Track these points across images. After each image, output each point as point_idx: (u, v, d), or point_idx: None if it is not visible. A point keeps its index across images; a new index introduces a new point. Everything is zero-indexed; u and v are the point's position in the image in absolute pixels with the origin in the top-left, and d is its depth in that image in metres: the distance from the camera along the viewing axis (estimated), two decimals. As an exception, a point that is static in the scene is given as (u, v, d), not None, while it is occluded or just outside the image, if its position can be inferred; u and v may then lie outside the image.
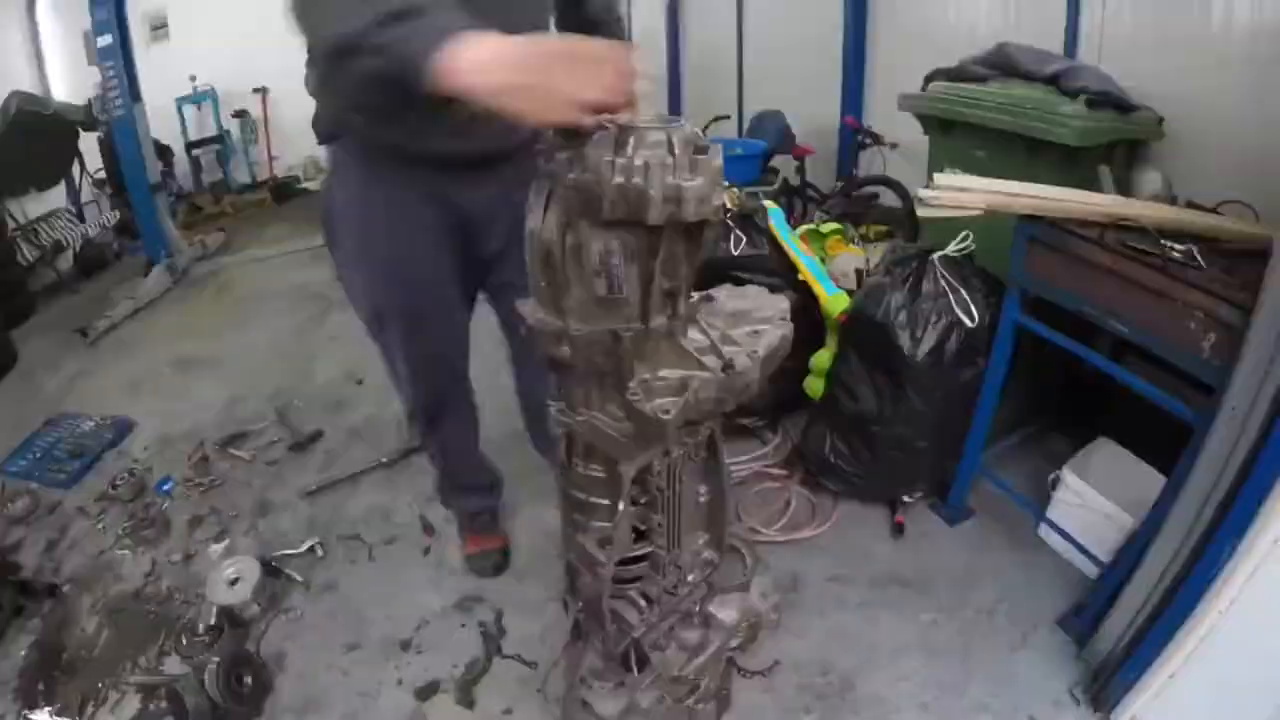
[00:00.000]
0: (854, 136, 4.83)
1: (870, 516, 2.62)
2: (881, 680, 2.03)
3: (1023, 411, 2.66)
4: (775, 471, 2.88)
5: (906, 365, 2.34)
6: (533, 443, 2.45)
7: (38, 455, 3.45)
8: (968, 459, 2.45)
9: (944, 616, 2.21)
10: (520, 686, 2.11)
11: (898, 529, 2.52)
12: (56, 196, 6.14)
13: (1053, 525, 2.32)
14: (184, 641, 2.30)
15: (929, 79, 3.04)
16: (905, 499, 2.59)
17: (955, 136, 2.87)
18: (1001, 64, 2.79)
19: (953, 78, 2.92)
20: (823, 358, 2.82)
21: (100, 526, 2.95)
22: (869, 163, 4.80)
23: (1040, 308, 2.11)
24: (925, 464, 2.53)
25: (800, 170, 5.13)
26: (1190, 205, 2.27)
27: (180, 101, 8.39)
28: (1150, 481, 2.02)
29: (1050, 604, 2.21)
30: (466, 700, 2.09)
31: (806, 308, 2.90)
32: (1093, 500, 2.20)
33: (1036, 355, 2.31)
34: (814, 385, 2.86)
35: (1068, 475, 2.29)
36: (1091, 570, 2.20)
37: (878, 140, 4.60)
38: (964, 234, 2.35)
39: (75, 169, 6.17)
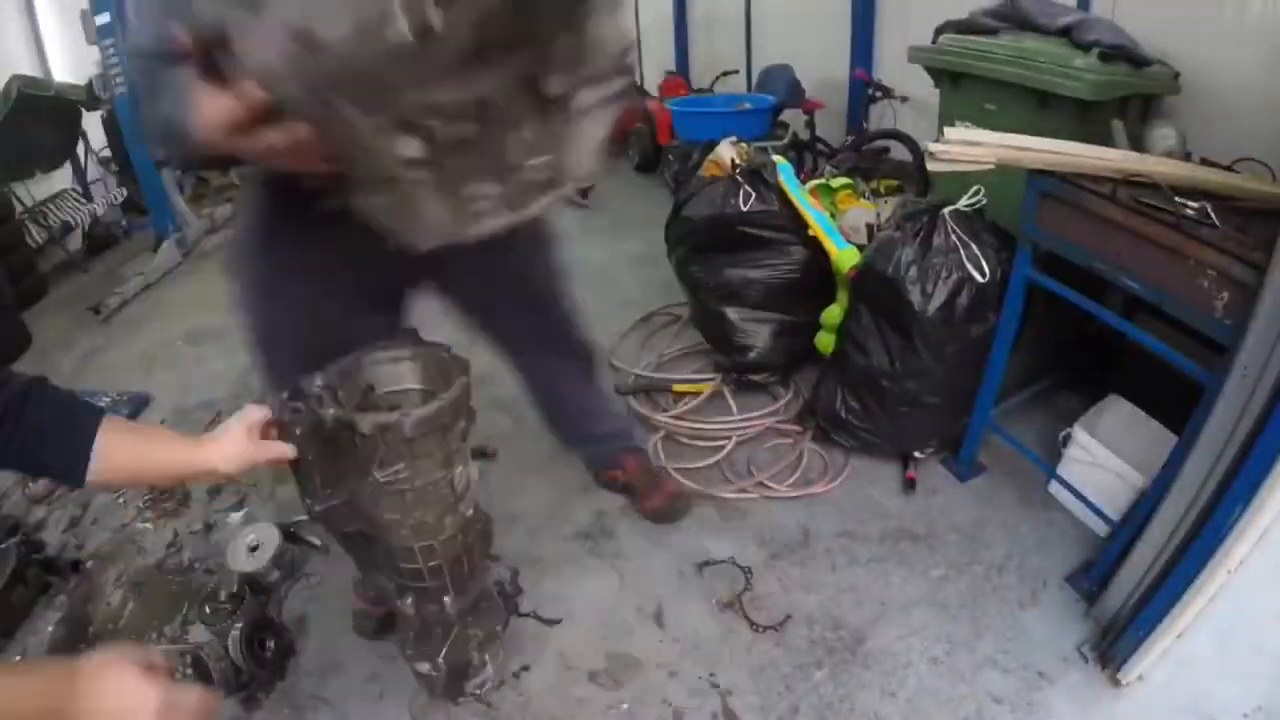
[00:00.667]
0: (864, 90, 4.76)
1: (881, 472, 2.63)
2: (892, 635, 2.06)
3: (1034, 368, 2.65)
4: (786, 427, 2.89)
5: (917, 321, 2.33)
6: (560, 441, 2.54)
7: (56, 434, 3.49)
8: (979, 415, 2.45)
9: (954, 572, 2.23)
10: (536, 644, 2.15)
11: (909, 485, 2.52)
12: (63, 177, 6.19)
13: (1063, 482, 2.32)
14: (207, 610, 2.34)
15: (939, 31, 2.98)
16: (916, 455, 2.60)
17: (966, 89, 2.83)
18: (1013, 16, 2.73)
19: (963, 30, 2.86)
20: (833, 313, 2.82)
21: (121, 501, 2.99)
22: (879, 116, 4.73)
23: (1052, 263, 2.09)
24: (936, 420, 2.53)
25: (810, 124, 5.08)
26: (1205, 162, 2.23)
27: None
28: (1161, 440, 2.02)
29: (1060, 561, 2.22)
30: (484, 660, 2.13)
31: (817, 263, 2.89)
32: (1103, 458, 2.19)
33: (1048, 311, 2.29)
34: (825, 341, 2.86)
35: (1078, 433, 2.28)
36: (1101, 528, 2.21)
37: (888, 94, 4.54)
38: (975, 188, 2.33)
39: (80, 149, 6.16)
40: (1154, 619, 1.74)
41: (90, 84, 5.83)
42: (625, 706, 1.96)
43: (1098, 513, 2.19)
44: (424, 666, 1.80)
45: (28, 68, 6.47)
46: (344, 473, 1.46)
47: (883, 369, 2.46)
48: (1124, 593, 1.89)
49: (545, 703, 1.99)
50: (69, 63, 7.13)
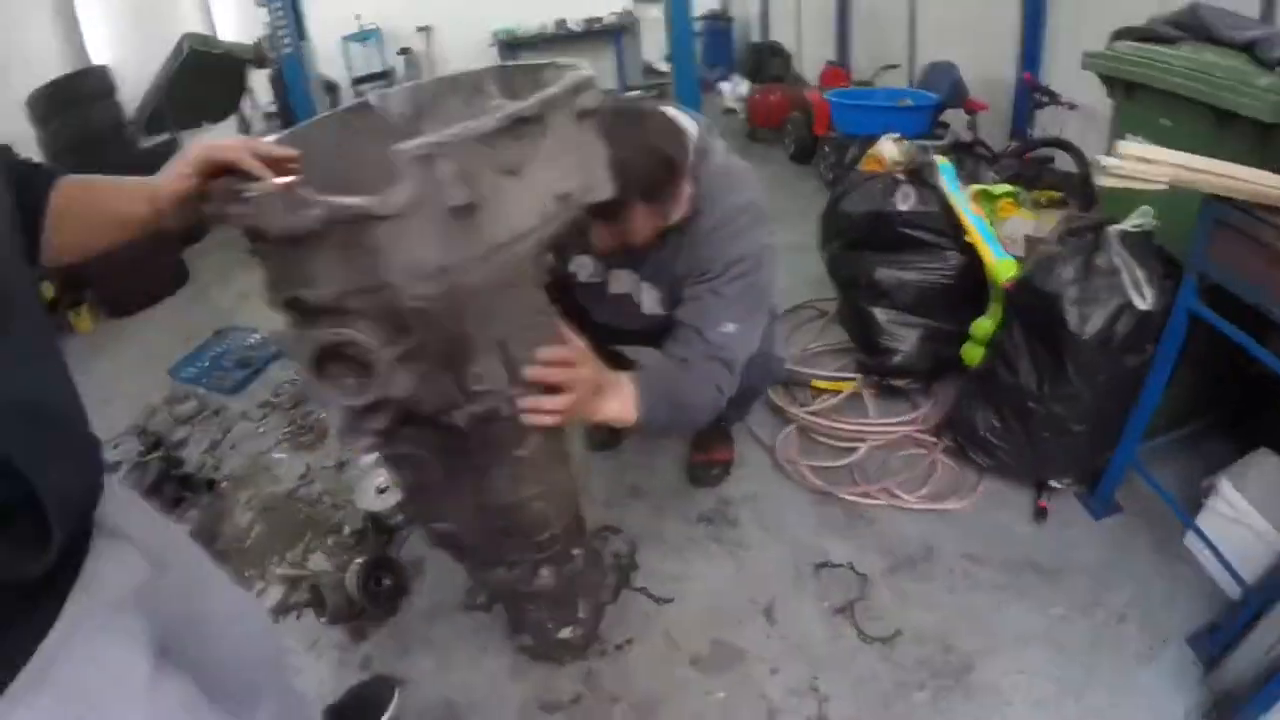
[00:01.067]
0: (1031, 94, 4.55)
1: (1013, 497, 2.52)
2: (1000, 668, 1.98)
3: (1186, 408, 2.47)
4: (923, 437, 2.81)
5: (1072, 343, 2.21)
6: None
7: (206, 364, 3.75)
8: (1122, 451, 2.31)
9: (1075, 613, 2.12)
10: (645, 620, 2.18)
11: (1040, 514, 2.42)
12: (228, 129, 6.58)
13: (1200, 535, 2.16)
14: (330, 541, 2.46)
15: (1115, 36, 2.82)
16: (1052, 484, 2.48)
17: (1140, 101, 2.66)
18: (1193, 26, 2.54)
19: (1140, 38, 2.69)
20: (984, 325, 2.72)
21: (261, 430, 3.17)
22: (1045, 123, 4.52)
23: (1219, 298, 1.94)
24: (1079, 450, 2.40)
25: (972, 126, 4.90)
26: None
27: (346, 40, 8.80)
28: (1311, 505, 1.86)
29: (1184, 618, 2.07)
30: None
31: (973, 271, 2.80)
32: (1246, 515, 2.03)
33: (1208, 349, 2.14)
34: (972, 353, 2.76)
35: (1224, 484, 2.12)
36: (1234, 590, 2.05)
37: (1055, 100, 4.33)
38: (1144, 208, 2.20)
39: (246, 104, 6.50)
40: (1272, 700, 1.62)
41: (258, 43, 6.16)
42: (722, 695, 1.96)
43: (1232, 573, 2.02)
44: (567, 631, 1.85)
45: (198, 27, 6.89)
46: (461, 481, 1.47)
47: (1030, 390, 2.36)
48: (1244, 666, 1.76)
49: (644, 679, 2.02)
50: (238, 23, 7.55)
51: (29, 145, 4.42)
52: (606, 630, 2.14)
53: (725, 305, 1.83)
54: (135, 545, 1.08)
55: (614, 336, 2.26)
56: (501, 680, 2.07)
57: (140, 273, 4.68)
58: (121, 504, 1.11)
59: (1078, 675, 1.96)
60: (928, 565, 2.29)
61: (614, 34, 10.29)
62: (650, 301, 2.07)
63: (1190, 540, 2.24)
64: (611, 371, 1.60)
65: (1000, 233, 2.97)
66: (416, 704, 2.05)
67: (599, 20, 10.16)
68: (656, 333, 1.95)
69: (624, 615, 2.20)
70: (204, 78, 5.79)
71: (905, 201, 2.87)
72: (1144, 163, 1.75)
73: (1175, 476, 2.43)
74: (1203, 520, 2.17)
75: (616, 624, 2.16)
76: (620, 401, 1.60)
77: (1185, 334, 2.04)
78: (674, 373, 1.78)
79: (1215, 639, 1.93)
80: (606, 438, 2.83)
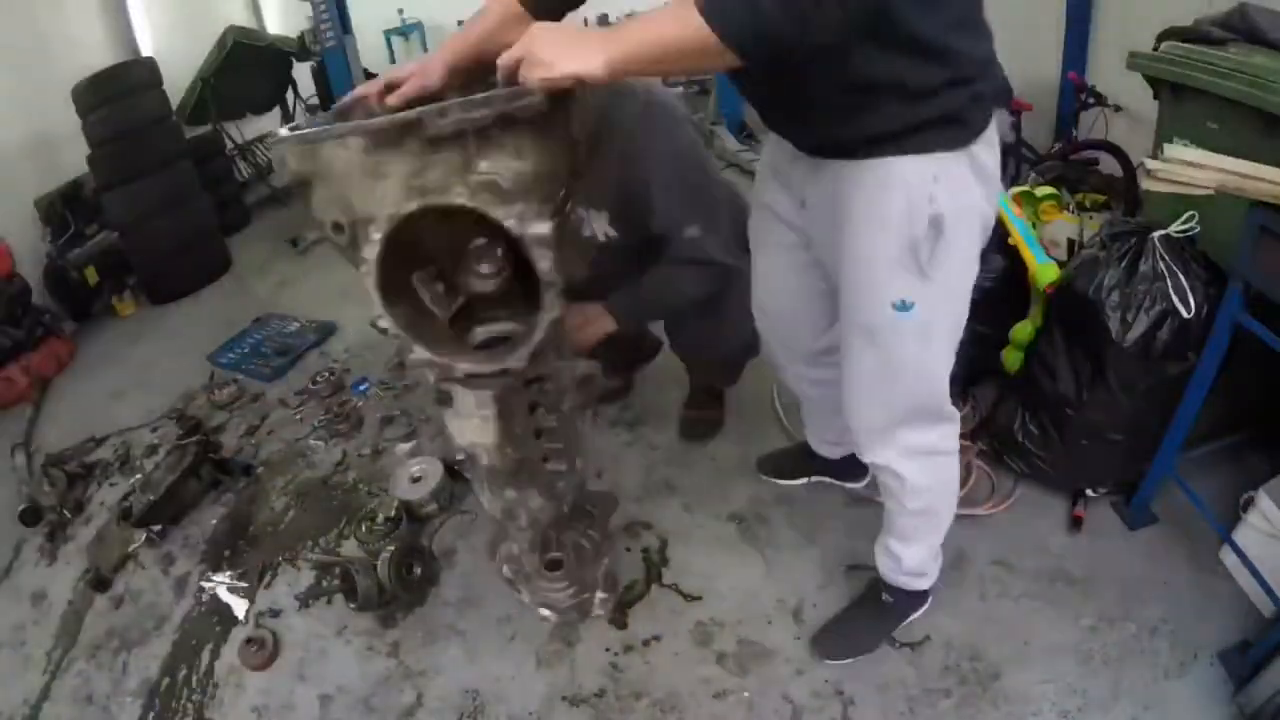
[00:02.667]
0: (1076, 95, 4.47)
1: (1048, 505, 2.47)
2: (1028, 678, 1.96)
3: (1227, 420, 2.42)
4: (958, 441, 2.76)
5: (1112, 349, 2.18)
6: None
7: (246, 350, 3.81)
8: (1160, 461, 2.26)
9: (1105, 625, 2.09)
10: (673, 617, 2.18)
11: (1075, 523, 2.37)
12: (271, 120, 6.74)
13: (1236, 549, 2.11)
14: (363, 529, 2.50)
15: (1162, 38, 2.76)
16: (1088, 493, 2.44)
17: (1187, 104, 2.60)
18: (1242, 28, 2.47)
19: (1188, 39, 2.63)
20: (1024, 330, 2.67)
21: (298, 417, 3.22)
22: (1089, 125, 4.44)
23: (1265, 308, 1.89)
24: (1116, 459, 2.36)
25: (1016, 126, 4.82)
26: None
27: (388, 33, 8.88)
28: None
29: (1217, 635, 2.02)
30: (620, 620, 2.19)
31: (1013, 274, 2.76)
32: (1283, 531, 1.99)
33: (1252, 360, 2.09)
34: (1011, 358, 2.71)
35: (1263, 499, 2.08)
36: (1268, 607, 2.00)
37: (1101, 101, 4.25)
38: (1189, 214, 2.15)
39: (290, 95, 6.62)
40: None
41: (302, 36, 6.27)
42: (746, 695, 1.97)
43: (1267, 590, 1.98)
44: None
45: (243, 19, 7.02)
46: None
47: (1068, 396, 2.32)
48: (1274, 686, 1.72)
49: (669, 675, 2.03)
50: (283, 16, 7.66)
51: (74, 135, 4.48)
52: (634, 626, 2.16)
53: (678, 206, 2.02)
54: None
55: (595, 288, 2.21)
56: (526, 672, 2.09)
57: (182, 260, 4.77)
58: None
59: (1106, 687, 1.93)
60: (958, 571, 2.26)
61: (658, 30, 10.24)
62: (600, 226, 2.16)
63: (1226, 554, 2.20)
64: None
65: (1042, 236, 2.92)
66: (441, 692, 2.08)
67: (642, 16, 10.11)
68: (626, 260, 2.14)
69: (652, 611, 2.21)
70: (248, 70, 5.88)
71: (948, 201, 2.83)
72: (1190, 167, 1.73)
73: (1213, 489, 2.38)
74: (1239, 535, 2.13)
75: (644, 620, 2.17)
76: None
77: (1229, 344, 2.00)
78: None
79: (1247, 656, 1.89)
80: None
